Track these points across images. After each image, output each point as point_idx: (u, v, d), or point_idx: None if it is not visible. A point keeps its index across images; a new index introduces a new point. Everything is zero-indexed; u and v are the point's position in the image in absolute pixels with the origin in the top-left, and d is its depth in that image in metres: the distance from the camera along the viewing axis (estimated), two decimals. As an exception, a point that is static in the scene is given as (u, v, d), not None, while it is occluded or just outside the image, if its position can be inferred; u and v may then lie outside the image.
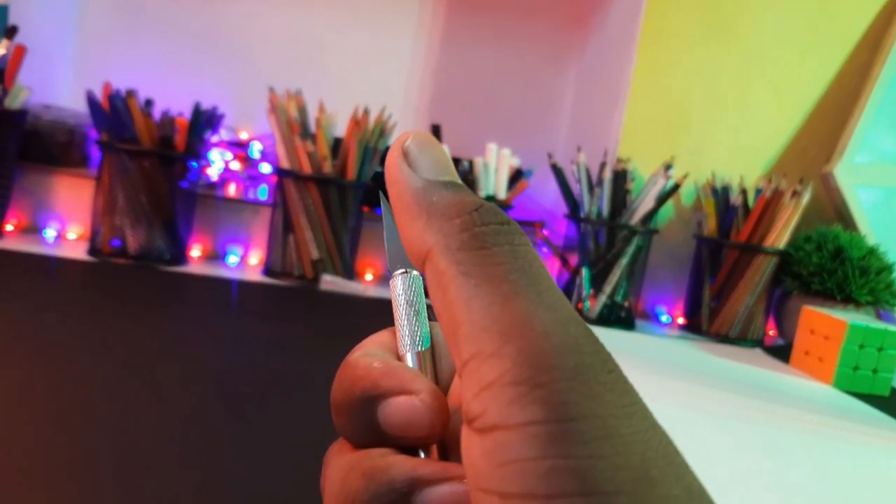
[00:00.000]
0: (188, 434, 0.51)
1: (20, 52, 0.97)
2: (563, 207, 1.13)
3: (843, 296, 1.05)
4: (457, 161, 1.05)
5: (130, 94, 0.92)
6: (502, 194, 1.04)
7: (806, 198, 1.06)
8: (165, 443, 0.49)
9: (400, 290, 0.21)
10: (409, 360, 0.20)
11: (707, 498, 0.16)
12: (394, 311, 0.21)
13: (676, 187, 1.06)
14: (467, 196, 0.18)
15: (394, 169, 0.19)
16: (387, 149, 1.05)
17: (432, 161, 0.19)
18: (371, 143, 1.01)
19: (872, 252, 1.07)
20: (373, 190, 1.11)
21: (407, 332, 0.20)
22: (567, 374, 0.15)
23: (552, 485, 0.14)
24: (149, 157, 0.94)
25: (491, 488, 0.15)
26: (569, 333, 0.16)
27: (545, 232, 1.18)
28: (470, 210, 0.18)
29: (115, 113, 0.92)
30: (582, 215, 1.07)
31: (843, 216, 1.17)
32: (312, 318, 0.90)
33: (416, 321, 0.20)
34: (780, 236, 1.07)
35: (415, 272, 0.21)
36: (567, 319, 0.16)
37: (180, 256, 0.99)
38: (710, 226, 1.11)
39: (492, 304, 0.16)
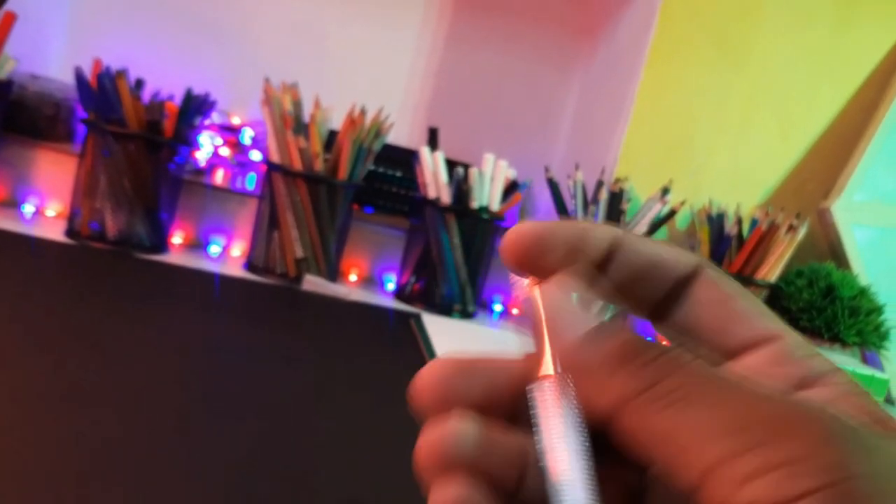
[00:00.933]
0: (146, 440, 0.49)
1: (10, 18, 0.93)
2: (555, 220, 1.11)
3: (831, 335, 1.04)
4: (453, 165, 1.03)
5: (120, 74, 0.89)
6: (495, 206, 1.02)
7: (801, 234, 1.05)
8: (122, 447, 0.47)
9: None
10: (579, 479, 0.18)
11: None
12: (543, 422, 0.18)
13: (672, 214, 1.04)
14: (608, 341, 0.18)
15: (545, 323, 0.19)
16: (382, 148, 1.02)
17: (575, 316, 0.19)
18: (366, 144, 0.98)
19: (864, 293, 1.06)
20: (366, 190, 1.08)
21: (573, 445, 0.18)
22: (820, 439, 0.15)
23: None
24: (135, 141, 0.91)
25: None
26: (798, 407, 0.16)
27: (535, 244, 1.16)
28: (626, 355, 0.18)
29: (102, 92, 0.89)
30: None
31: (837, 253, 1.16)
32: (291, 322, 0.87)
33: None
34: (772, 270, 1.06)
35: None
36: (796, 402, 0.17)
37: (161, 244, 0.96)
38: (703, 253, 1.10)
39: (707, 412, 0.16)
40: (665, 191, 1.04)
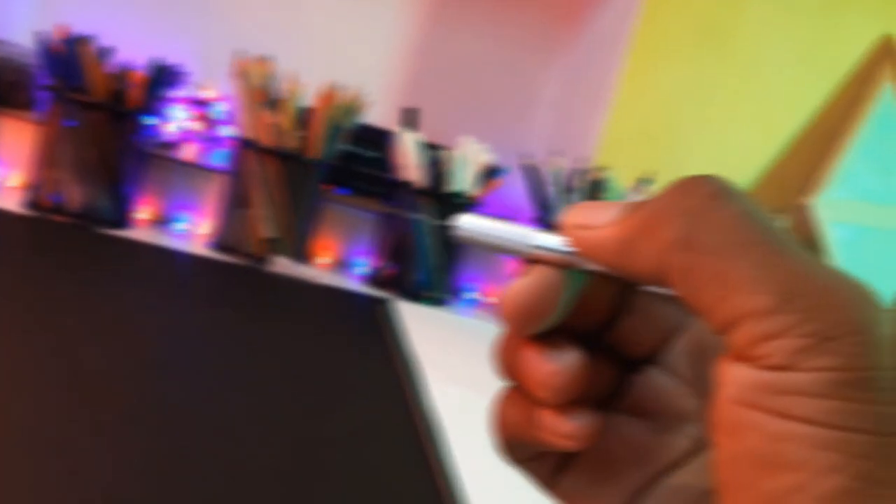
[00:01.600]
0: (96, 426, 0.46)
1: (-30, -21, 0.89)
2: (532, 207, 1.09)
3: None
4: (430, 148, 1.00)
5: (84, 40, 0.86)
6: (472, 191, 1.00)
7: (780, 229, 1.04)
8: (70, 431, 0.44)
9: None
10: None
11: None
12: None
13: (651, 204, 1.02)
14: (656, 201, 0.20)
15: (576, 231, 0.21)
16: (358, 127, 0.99)
17: (600, 208, 0.21)
18: (340, 122, 0.95)
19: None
20: (340, 171, 1.06)
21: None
22: (855, 327, 0.16)
23: (846, 419, 0.15)
24: (99, 111, 0.87)
25: (764, 406, 0.16)
26: (849, 287, 0.17)
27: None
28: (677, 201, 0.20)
29: (66, 59, 0.86)
30: (551, 220, 1.04)
31: (816, 250, 1.15)
32: (257, 305, 0.85)
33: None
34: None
35: None
36: (839, 273, 0.17)
37: (124, 219, 0.93)
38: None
39: (760, 266, 0.17)
40: (643, 181, 1.02)
